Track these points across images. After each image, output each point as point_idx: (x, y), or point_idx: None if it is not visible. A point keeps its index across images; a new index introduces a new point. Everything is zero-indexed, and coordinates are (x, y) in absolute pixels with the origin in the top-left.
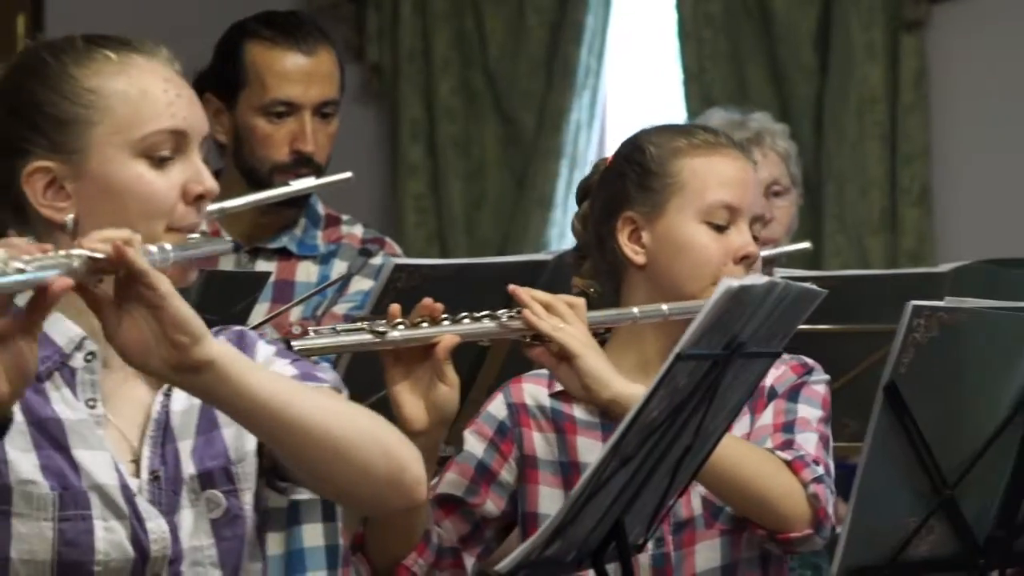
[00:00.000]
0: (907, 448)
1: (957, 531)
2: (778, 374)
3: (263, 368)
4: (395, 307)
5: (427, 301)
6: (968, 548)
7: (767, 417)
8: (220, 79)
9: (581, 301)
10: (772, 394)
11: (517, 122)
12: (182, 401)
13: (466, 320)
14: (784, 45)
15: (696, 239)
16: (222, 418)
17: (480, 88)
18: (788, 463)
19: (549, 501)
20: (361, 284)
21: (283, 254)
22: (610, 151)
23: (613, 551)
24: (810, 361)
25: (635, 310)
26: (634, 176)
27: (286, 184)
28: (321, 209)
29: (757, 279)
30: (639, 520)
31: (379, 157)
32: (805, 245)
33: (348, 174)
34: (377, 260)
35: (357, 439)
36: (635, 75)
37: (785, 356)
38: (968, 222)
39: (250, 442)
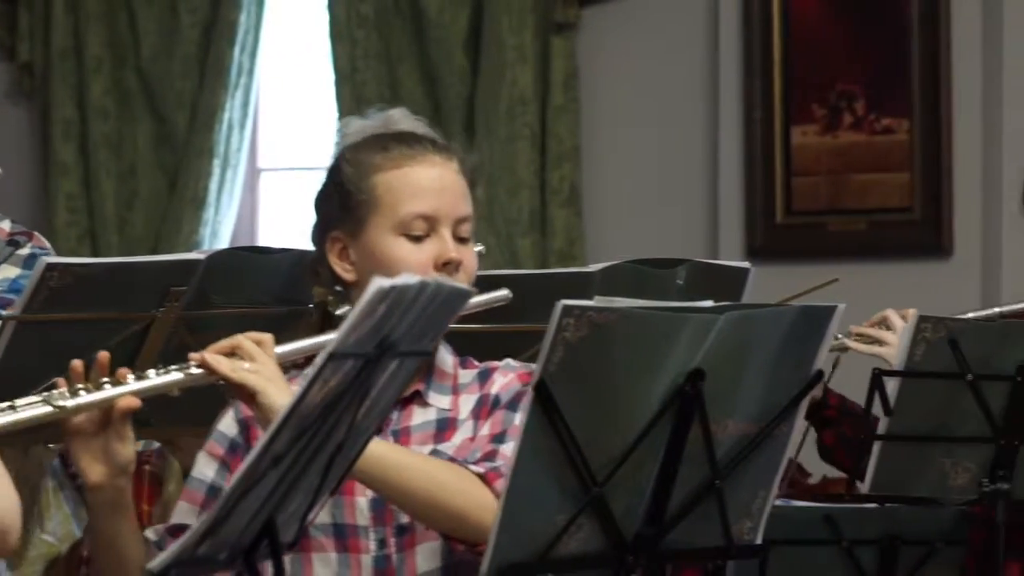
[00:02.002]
0: (557, 446)
1: (605, 528)
2: (505, 382)
3: None
4: (77, 363)
5: (103, 357)
6: (616, 545)
7: (487, 427)
8: None
9: (268, 337)
10: (496, 403)
11: (170, 121)
12: None
13: (152, 373)
14: (436, 46)
15: (394, 253)
16: None
17: (133, 87)
18: (481, 475)
19: None
20: (8, 271)
21: None
22: (262, 150)
23: (265, 549)
24: None
25: (329, 336)
26: (336, 197)
27: None
28: None
29: (408, 278)
30: (292, 518)
31: (30, 156)
32: (478, 248)
33: None
34: (25, 251)
35: None
36: (288, 75)
37: (513, 363)
38: (616, 222)
39: None
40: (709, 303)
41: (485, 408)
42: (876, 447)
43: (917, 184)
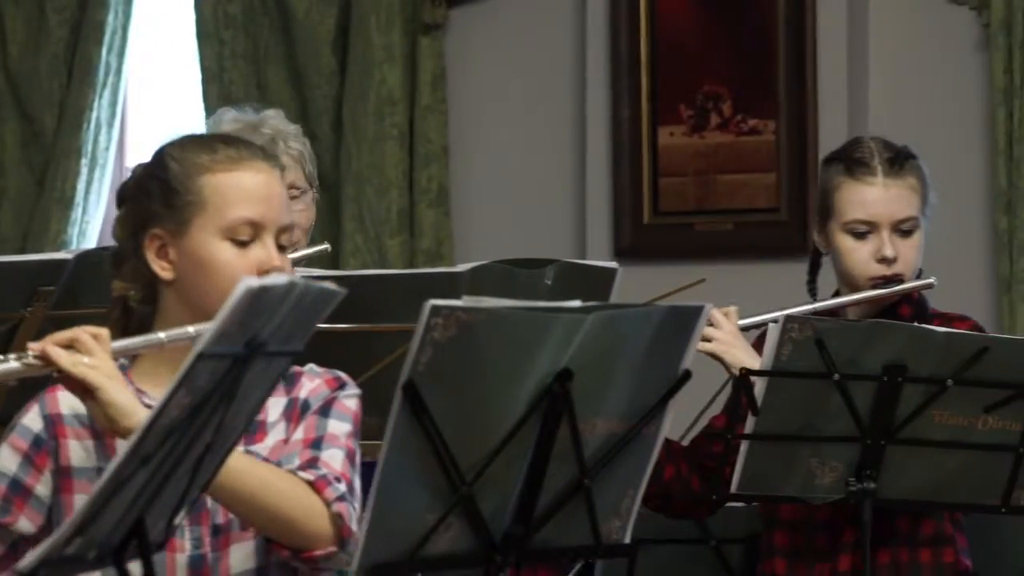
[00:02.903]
0: (426, 446)
1: (474, 527)
2: (312, 387)
3: None
4: None
5: None
6: (485, 544)
7: (300, 432)
8: None
9: (104, 332)
10: (306, 407)
11: (37, 121)
12: None
13: None
14: (303, 46)
15: (219, 257)
16: None
17: (0, 87)
18: (311, 483)
19: None
20: None
21: None
22: (130, 150)
23: (135, 549)
24: (343, 375)
25: (162, 335)
26: (158, 193)
27: None
28: None
29: (277, 279)
30: (160, 518)
31: None
32: (323, 247)
33: None
34: None
35: None
36: (155, 75)
37: (317, 369)
38: (484, 222)
39: None
40: (577, 303)
41: (295, 411)
42: (744, 447)
43: (783, 185)
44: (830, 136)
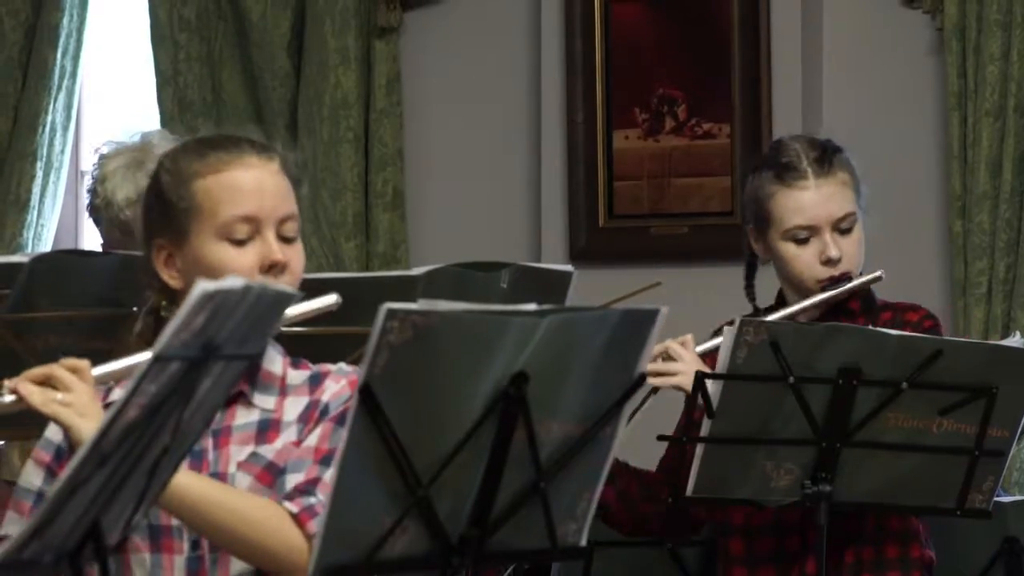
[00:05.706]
0: (382, 449)
1: (431, 530)
2: (336, 389)
3: None
4: None
5: None
6: (441, 546)
7: (313, 438)
8: None
9: (84, 364)
10: (325, 411)
11: None
12: None
13: None
14: (259, 49)
15: (219, 259)
16: None
17: None
18: (295, 515)
19: None
20: None
21: None
22: (85, 154)
23: (90, 552)
24: None
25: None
26: (157, 205)
27: None
28: None
29: (232, 282)
30: (117, 521)
31: None
32: None
33: None
34: None
35: None
36: (110, 78)
37: (346, 368)
38: (440, 226)
39: None
40: (533, 306)
41: (314, 413)
42: (699, 450)
43: (738, 188)
44: None
